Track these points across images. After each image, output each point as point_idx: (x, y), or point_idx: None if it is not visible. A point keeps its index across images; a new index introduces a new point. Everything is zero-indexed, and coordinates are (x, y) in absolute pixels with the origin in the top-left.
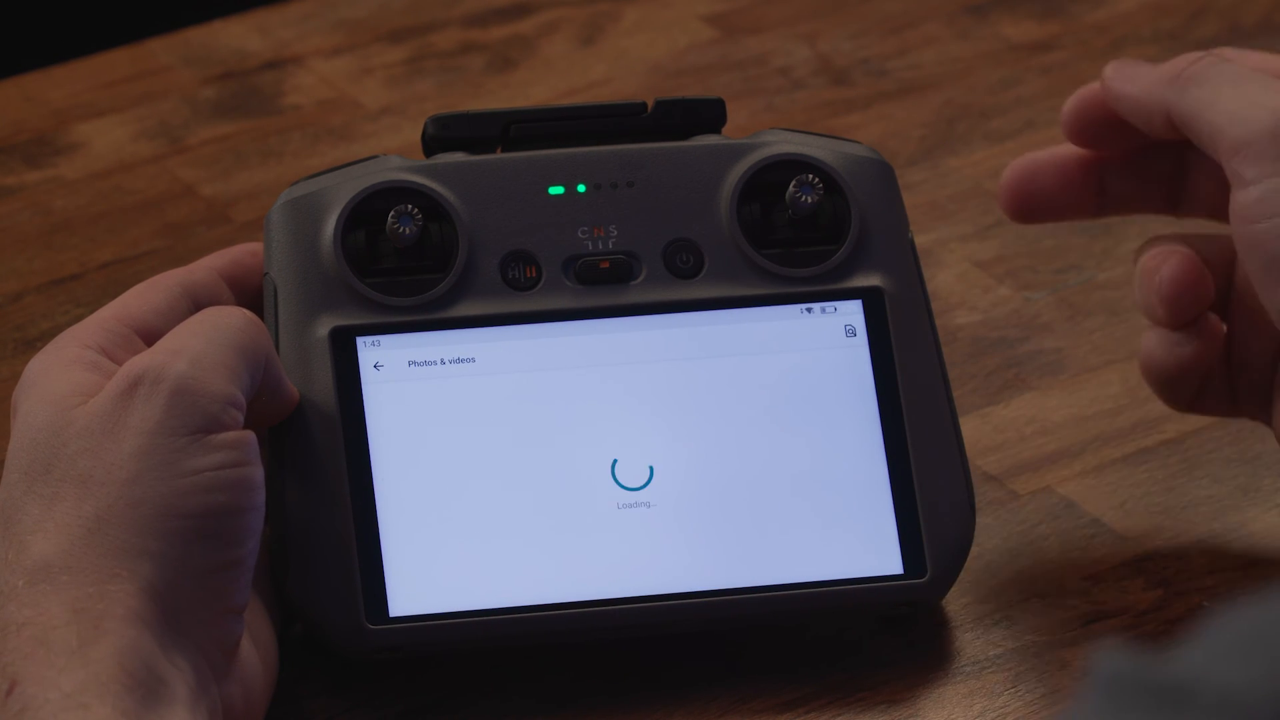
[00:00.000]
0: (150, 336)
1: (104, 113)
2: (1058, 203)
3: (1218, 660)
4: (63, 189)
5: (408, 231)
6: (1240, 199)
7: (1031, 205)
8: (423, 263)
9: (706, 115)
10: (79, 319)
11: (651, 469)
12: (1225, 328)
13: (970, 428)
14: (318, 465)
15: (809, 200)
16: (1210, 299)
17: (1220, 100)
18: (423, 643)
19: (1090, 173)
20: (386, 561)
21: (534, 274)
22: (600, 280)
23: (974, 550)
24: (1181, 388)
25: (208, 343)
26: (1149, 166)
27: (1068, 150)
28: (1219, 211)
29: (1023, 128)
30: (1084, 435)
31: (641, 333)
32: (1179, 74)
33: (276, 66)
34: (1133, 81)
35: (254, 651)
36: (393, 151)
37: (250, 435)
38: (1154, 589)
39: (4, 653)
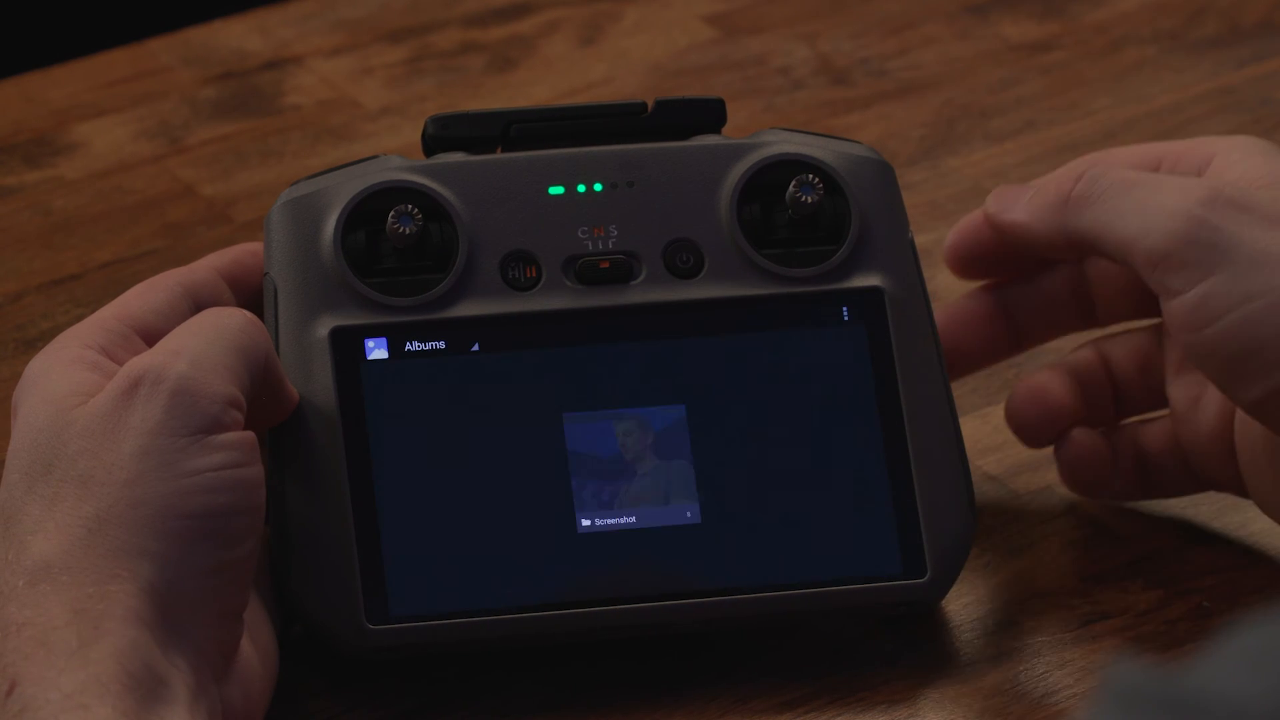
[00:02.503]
0: (151, 336)
1: (104, 113)
2: (976, 356)
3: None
4: (63, 189)
5: (408, 231)
6: (1176, 309)
7: (956, 367)
8: (423, 263)
9: (706, 115)
10: (79, 319)
11: (653, 468)
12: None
13: (970, 428)
14: (318, 465)
15: (809, 200)
16: (1066, 418)
17: (1121, 215)
18: (423, 643)
19: (995, 315)
20: (386, 561)
21: (534, 274)
22: (600, 280)
23: (974, 550)
24: (1107, 486)
25: (208, 343)
26: (1050, 288)
27: (969, 305)
28: (1140, 313)
29: (1023, 128)
30: None
31: (641, 333)
32: (1068, 196)
33: (276, 66)
34: (1020, 210)
35: (254, 652)
36: (393, 151)
37: (250, 436)
38: (1154, 589)
39: (4, 653)
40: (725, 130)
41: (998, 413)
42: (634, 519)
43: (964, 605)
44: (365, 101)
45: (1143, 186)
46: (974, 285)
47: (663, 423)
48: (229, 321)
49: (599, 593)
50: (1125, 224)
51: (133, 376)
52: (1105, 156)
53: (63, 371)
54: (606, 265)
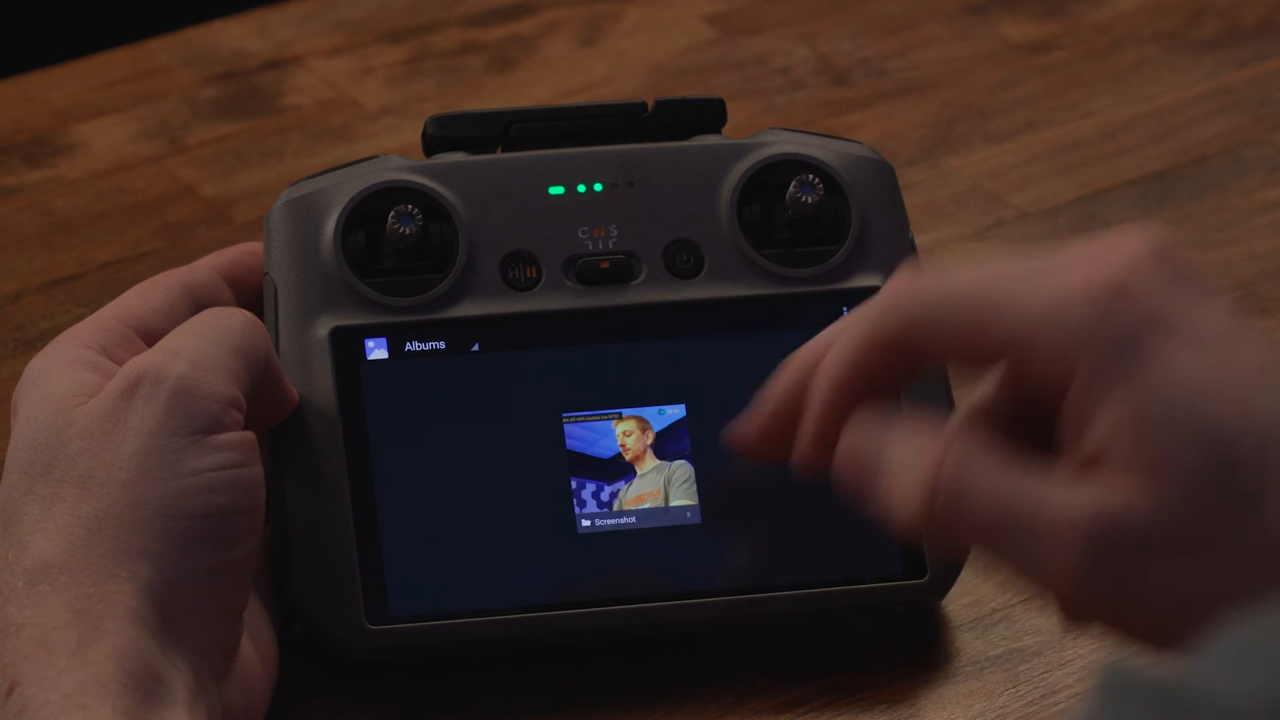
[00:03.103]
0: (150, 336)
1: (104, 113)
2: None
3: (1221, 670)
4: (63, 189)
5: (408, 231)
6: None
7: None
8: (423, 263)
9: (706, 115)
10: (79, 319)
11: (653, 469)
12: None
13: None
14: (318, 465)
15: (809, 200)
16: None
17: (1001, 549)
18: (423, 643)
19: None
20: (386, 561)
21: (534, 274)
22: (600, 280)
23: (974, 550)
24: None
25: (208, 343)
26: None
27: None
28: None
29: (1023, 128)
30: None
31: (641, 332)
32: (926, 511)
33: (276, 66)
34: (875, 500)
35: (254, 652)
36: (393, 151)
37: (250, 436)
38: None
39: (4, 653)
40: (725, 130)
41: None
42: (634, 520)
43: (964, 605)
44: (365, 101)
45: (1017, 514)
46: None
47: (663, 423)
48: (229, 321)
49: (599, 593)
50: (1013, 559)
51: (132, 376)
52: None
53: (62, 372)
54: (606, 265)
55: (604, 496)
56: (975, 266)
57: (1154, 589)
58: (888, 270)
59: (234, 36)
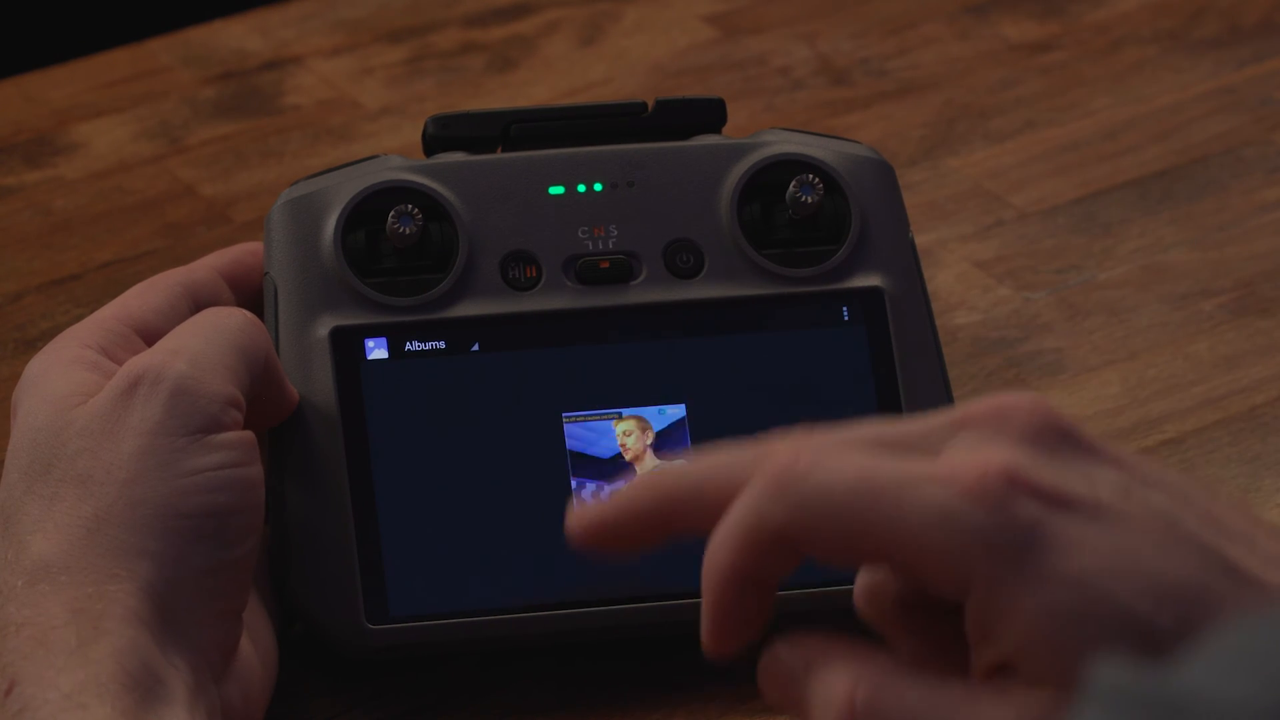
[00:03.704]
0: (150, 336)
1: (104, 113)
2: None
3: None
4: (63, 189)
5: (408, 231)
6: None
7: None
8: (423, 263)
9: (707, 115)
10: (79, 319)
11: (653, 468)
12: None
13: None
14: (318, 465)
15: (809, 200)
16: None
17: None
18: (423, 643)
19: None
20: (386, 561)
21: (534, 274)
22: (600, 280)
23: None
24: None
25: (207, 343)
26: None
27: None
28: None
29: (1023, 128)
30: None
31: (641, 333)
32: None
33: (276, 66)
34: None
35: (253, 652)
36: (393, 151)
37: (250, 435)
38: None
39: (3, 653)
40: (725, 130)
41: None
42: None
43: None
44: (365, 101)
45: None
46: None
47: (663, 423)
48: (229, 321)
49: (599, 593)
50: None
51: (132, 376)
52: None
53: (62, 371)
54: (606, 265)
55: (604, 496)
56: (854, 460)
57: None
58: (888, 270)
59: (234, 36)
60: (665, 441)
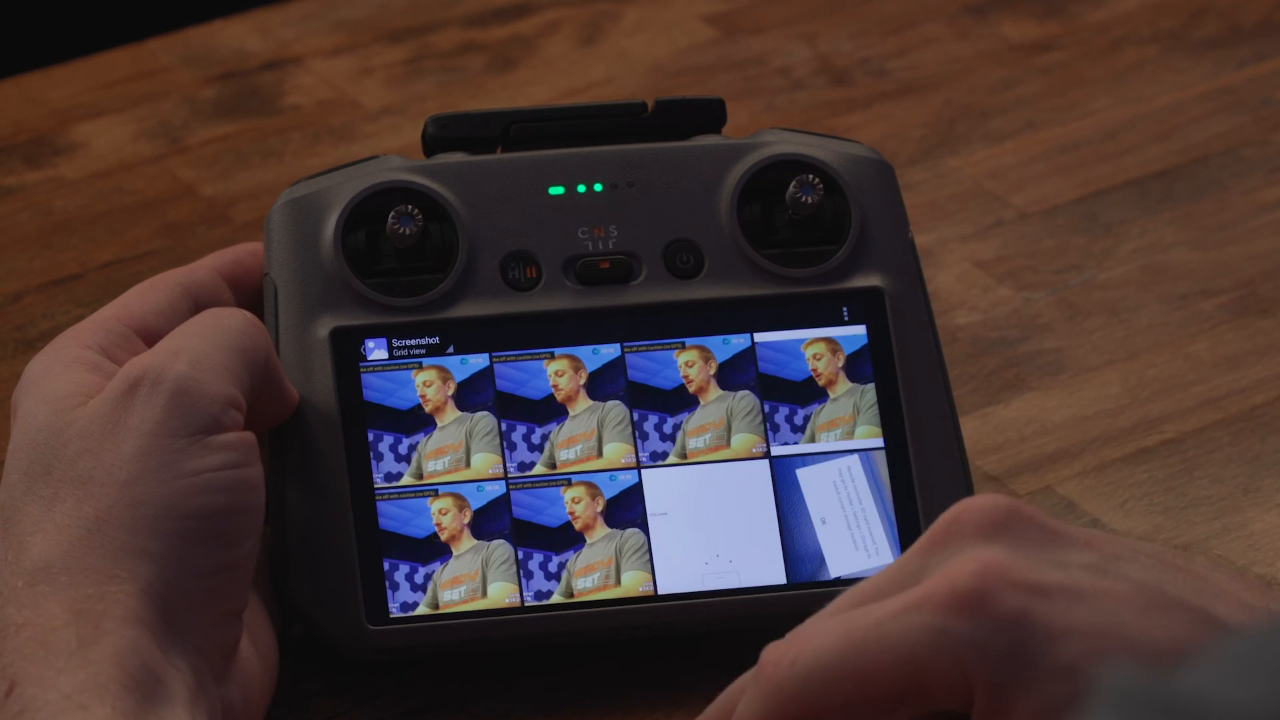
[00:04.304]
0: (150, 337)
1: (104, 113)
2: None
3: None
4: (63, 189)
5: (408, 232)
6: None
7: None
8: (423, 263)
9: (706, 115)
10: (79, 319)
11: (652, 469)
12: None
13: (970, 428)
14: (318, 466)
15: (809, 200)
16: None
17: None
18: (423, 643)
19: None
20: (387, 562)
21: (534, 274)
22: (600, 280)
23: None
24: None
25: (208, 343)
26: None
27: None
28: None
29: (1023, 128)
30: (1084, 435)
31: (641, 333)
32: None
33: (276, 66)
34: None
35: (253, 652)
36: (393, 151)
37: (250, 436)
38: None
39: (4, 653)
40: (725, 130)
41: (998, 413)
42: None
43: None
44: (365, 101)
45: None
46: None
47: (662, 422)
48: (229, 322)
49: (599, 593)
50: None
51: (132, 377)
52: None
53: (62, 372)
54: (606, 265)
55: (604, 495)
56: (832, 627)
57: None
58: (888, 270)
59: (234, 36)
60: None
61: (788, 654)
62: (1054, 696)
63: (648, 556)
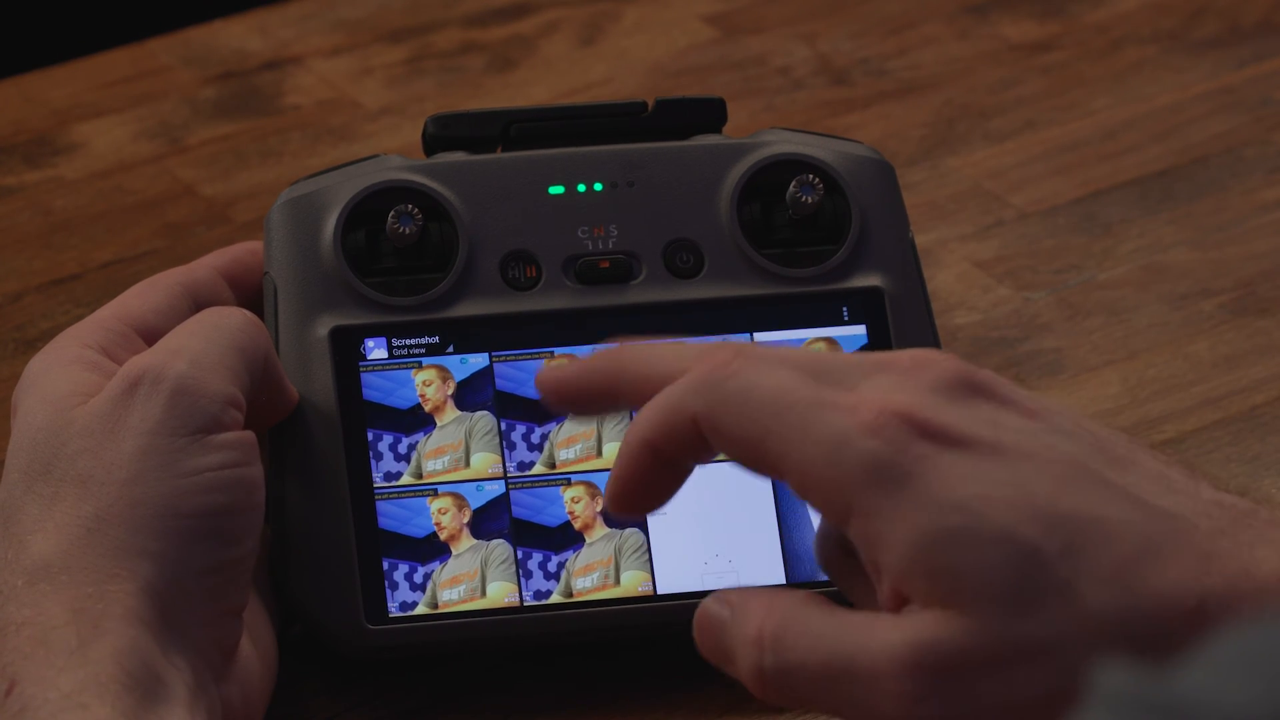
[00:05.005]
0: (150, 336)
1: (104, 113)
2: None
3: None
4: (63, 189)
5: (408, 231)
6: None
7: None
8: (423, 262)
9: (707, 115)
10: (79, 319)
11: None
12: None
13: None
14: (318, 465)
15: (809, 200)
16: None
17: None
18: (422, 642)
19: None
20: (386, 561)
21: (534, 274)
22: (600, 280)
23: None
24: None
25: (207, 343)
26: None
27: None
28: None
29: (1023, 128)
30: None
31: (641, 333)
32: (756, 672)
33: (276, 66)
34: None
35: (253, 651)
36: (393, 151)
37: (250, 435)
38: None
39: (3, 652)
40: (725, 130)
41: None
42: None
43: None
44: (365, 101)
45: (840, 659)
46: None
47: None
48: (228, 321)
49: (599, 593)
50: (848, 710)
51: (132, 376)
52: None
53: (62, 371)
54: (606, 265)
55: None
56: (777, 375)
57: (991, 707)
58: (888, 270)
59: (234, 36)
60: None
61: (733, 366)
62: (930, 526)
63: (647, 556)
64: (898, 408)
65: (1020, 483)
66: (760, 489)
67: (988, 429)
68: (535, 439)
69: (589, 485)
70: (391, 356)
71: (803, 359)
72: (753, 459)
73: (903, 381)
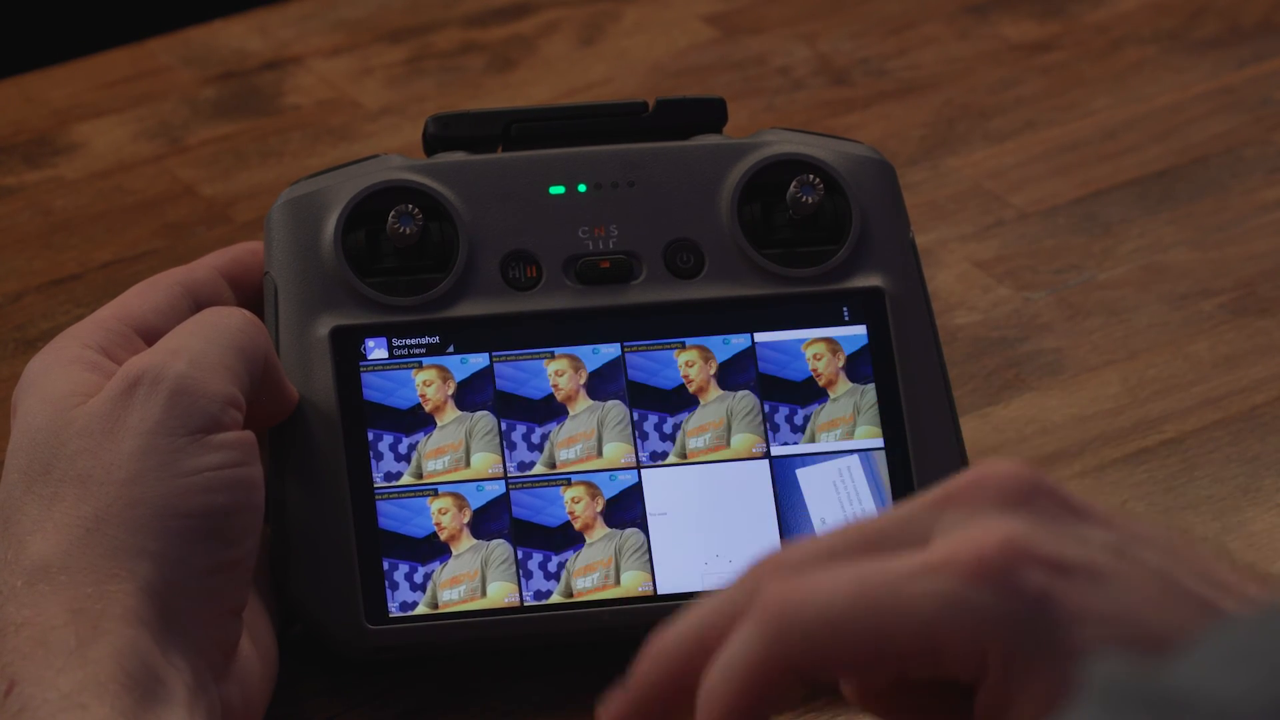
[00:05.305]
0: (150, 336)
1: (104, 113)
2: None
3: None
4: (63, 189)
5: (408, 231)
6: None
7: None
8: (423, 262)
9: (707, 115)
10: (79, 319)
11: (651, 469)
12: None
13: (970, 428)
14: (318, 465)
15: (810, 200)
16: None
17: None
18: (422, 642)
19: None
20: (386, 561)
21: (534, 274)
22: (601, 280)
23: None
24: None
25: (207, 343)
26: None
27: None
28: None
29: (1023, 128)
30: (1084, 435)
31: (641, 333)
32: None
33: (276, 66)
34: None
35: (253, 651)
36: (393, 151)
37: (250, 435)
38: None
39: (3, 653)
40: (725, 130)
41: (998, 413)
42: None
43: None
44: (365, 101)
45: None
46: None
47: (661, 421)
48: (228, 321)
49: (599, 593)
50: None
51: (132, 376)
52: None
53: (62, 371)
54: (607, 265)
55: (604, 495)
56: (844, 574)
57: None
58: (888, 270)
59: (234, 36)
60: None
61: (797, 592)
62: (1064, 679)
63: (647, 556)
64: (993, 544)
65: (1131, 613)
66: (760, 489)
67: (1081, 549)
68: (535, 439)
69: (589, 485)
70: (392, 356)
71: (852, 538)
72: (867, 668)
73: (976, 512)
